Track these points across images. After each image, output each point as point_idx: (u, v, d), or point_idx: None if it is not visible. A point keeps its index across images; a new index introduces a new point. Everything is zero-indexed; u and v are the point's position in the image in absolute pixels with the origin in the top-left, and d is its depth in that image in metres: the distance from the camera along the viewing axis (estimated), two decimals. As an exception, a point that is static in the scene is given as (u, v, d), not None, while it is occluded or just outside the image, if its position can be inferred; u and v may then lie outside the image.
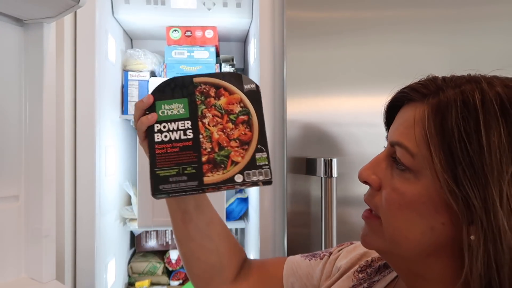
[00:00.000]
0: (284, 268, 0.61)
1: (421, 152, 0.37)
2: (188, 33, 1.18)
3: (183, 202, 0.59)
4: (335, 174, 0.81)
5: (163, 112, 0.53)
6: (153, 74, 1.22)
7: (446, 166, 0.35)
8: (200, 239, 0.60)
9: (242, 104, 0.55)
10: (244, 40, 1.35)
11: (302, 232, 0.87)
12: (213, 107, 0.54)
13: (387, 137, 0.44)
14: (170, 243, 1.29)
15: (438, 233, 0.37)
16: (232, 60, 1.22)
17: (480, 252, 0.34)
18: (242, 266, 0.63)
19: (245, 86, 0.56)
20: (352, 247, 0.57)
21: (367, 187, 0.44)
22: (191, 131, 0.53)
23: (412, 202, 0.38)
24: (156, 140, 0.52)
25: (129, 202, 1.23)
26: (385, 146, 0.44)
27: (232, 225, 1.26)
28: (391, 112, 0.44)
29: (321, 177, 0.81)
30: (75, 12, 0.87)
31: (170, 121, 0.53)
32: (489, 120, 0.34)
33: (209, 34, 1.18)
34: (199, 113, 0.54)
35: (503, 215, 0.33)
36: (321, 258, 0.59)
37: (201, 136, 0.53)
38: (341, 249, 0.58)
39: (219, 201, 1.00)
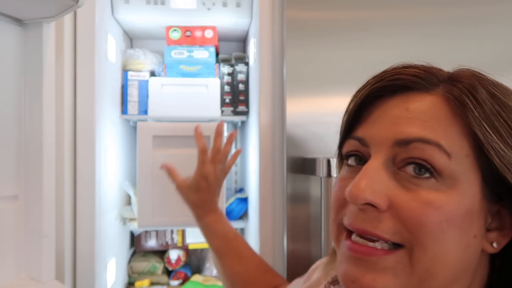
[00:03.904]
0: None
1: (461, 151, 0.30)
2: (188, 33, 1.18)
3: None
4: (334, 174, 0.81)
5: None
6: (152, 74, 1.22)
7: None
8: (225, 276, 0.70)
9: None
10: (244, 40, 1.35)
11: (301, 231, 0.87)
12: None
13: (357, 138, 0.34)
14: (169, 243, 1.29)
15: (471, 249, 0.31)
16: (231, 60, 1.22)
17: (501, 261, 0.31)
18: None
19: None
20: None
21: None
22: None
23: (454, 216, 0.29)
24: None
25: (129, 202, 1.23)
26: (350, 152, 0.34)
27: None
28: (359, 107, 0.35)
29: (321, 177, 0.81)
30: (75, 12, 0.87)
31: None
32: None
33: (208, 34, 1.18)
34: None
35: None
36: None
37: None
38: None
39: (219, 201, 1.00)
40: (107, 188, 1.01)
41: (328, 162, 0.80)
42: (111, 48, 1.06)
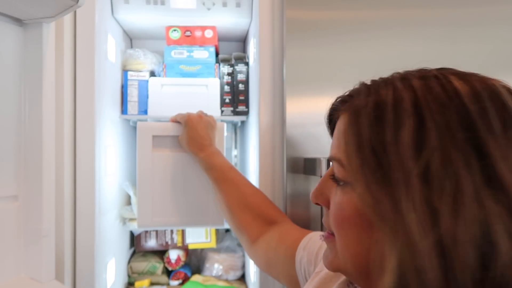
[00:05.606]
0: (302, 241, 0.64)
1: (350, 162, 0.35)
2: (188, 33, 1.18)
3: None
4: (334, 174, 0.80)
5: None
6: (152, 74, 1.22)
7: (363, 172, 0.33)
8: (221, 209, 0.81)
9: None
10: (244, 40, 1.35)
11: (301, 232, 0.87)
12: None
13: None
14: (169, 243, 1.29)
15: (378, 253, 0.33)
16: (231, 60, 1.22)
17: (389, 264, 0.29)
18: (267, 231, 0.73)
19: None
20: None
21: None
22: None
23: (351, 215, 0.35)
24: None
25: (129, 202, 1.23)
26: None
27: (231, 225, 1.25)
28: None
29: (321, 177, 0.81)
30: (75, 12, 0.87)
31: None
32: (399, 119, 0.32)
33: (208, 34, 1.18)
34: None
35: (414, 218, 0.29)
36: None
37: None
38: None
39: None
40: (107, 188, 1.01)
41: (328, 162, 0.80)
42: (111, 48, 1.06)
